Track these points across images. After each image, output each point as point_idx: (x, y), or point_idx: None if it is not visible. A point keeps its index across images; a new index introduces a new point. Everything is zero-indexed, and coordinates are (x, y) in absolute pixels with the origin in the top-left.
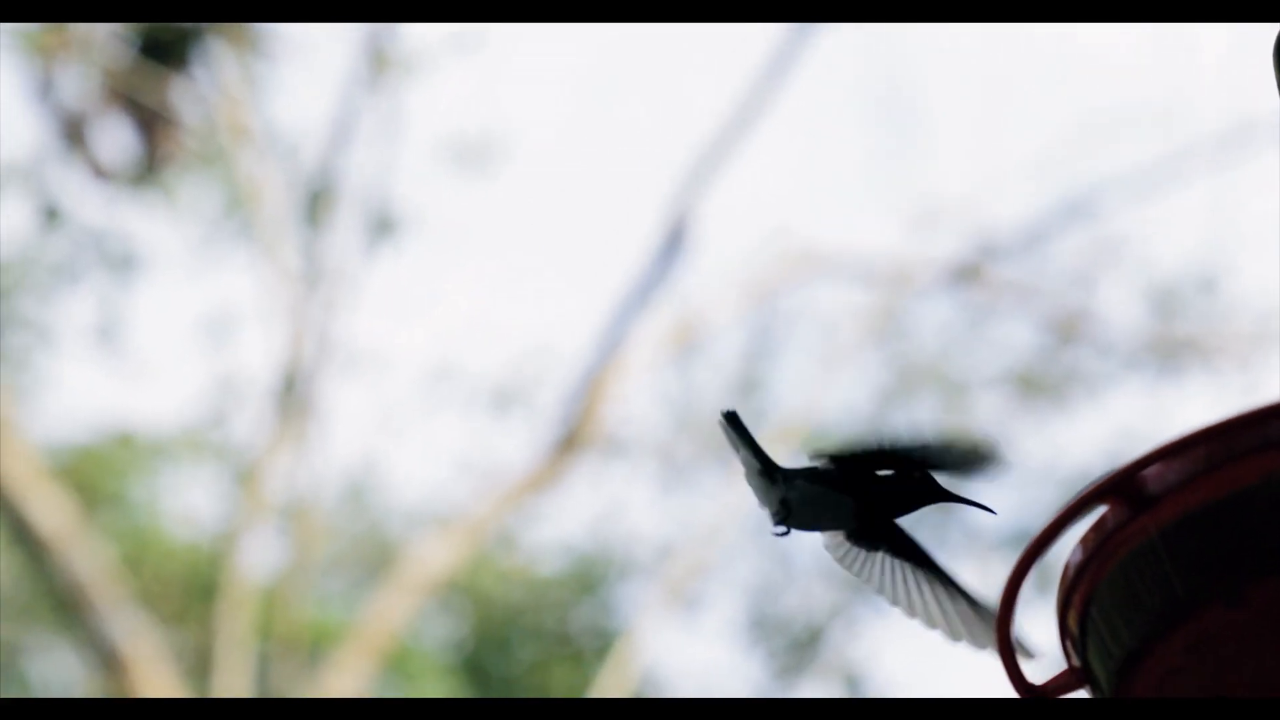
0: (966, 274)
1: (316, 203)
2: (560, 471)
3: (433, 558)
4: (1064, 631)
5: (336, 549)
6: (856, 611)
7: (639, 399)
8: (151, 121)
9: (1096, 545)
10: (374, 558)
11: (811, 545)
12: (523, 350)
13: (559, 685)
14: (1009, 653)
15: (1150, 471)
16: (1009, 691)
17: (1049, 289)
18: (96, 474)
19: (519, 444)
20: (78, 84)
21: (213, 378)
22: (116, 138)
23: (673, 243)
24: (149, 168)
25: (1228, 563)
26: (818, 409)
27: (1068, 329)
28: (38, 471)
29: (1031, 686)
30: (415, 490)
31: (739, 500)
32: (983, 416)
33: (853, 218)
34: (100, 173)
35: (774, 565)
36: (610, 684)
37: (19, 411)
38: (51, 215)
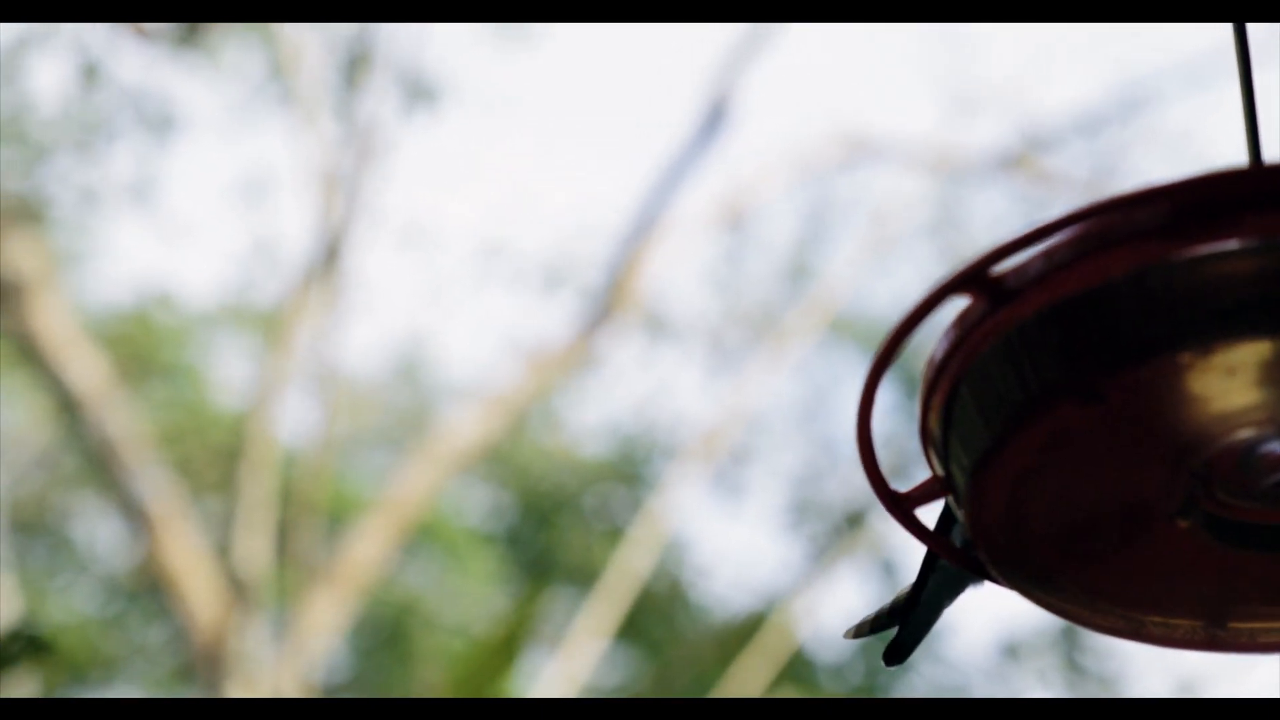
0: (1014, 163)
1: (355, 68)
2: (596, 345)
3: (463, 429)
4: (926, 436)
5: (378, 422)
6: None
7: (686, 281)
8: None
9: (958, 340)
10: (416, 432)
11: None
12: (566, 225)
13: (597, 562)
14: (871, 457)
15: (1011, 263)
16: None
17: (1099, 180)
18: (137, 337)
19: (560, 319)
20: None
21: (250, 242)
22: None
23: (714, 118)
24: (190, 29)
25: (1083, 357)
26: (863, 295)
27: None
28: (75, 332)
29: (895, 494)
30: (461, 367)
31: (783, 384)
32: None
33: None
34: (141, 32)
35: (817, 452)
36: (634, 556)
37: (57, 272)
38: (91, 74)
